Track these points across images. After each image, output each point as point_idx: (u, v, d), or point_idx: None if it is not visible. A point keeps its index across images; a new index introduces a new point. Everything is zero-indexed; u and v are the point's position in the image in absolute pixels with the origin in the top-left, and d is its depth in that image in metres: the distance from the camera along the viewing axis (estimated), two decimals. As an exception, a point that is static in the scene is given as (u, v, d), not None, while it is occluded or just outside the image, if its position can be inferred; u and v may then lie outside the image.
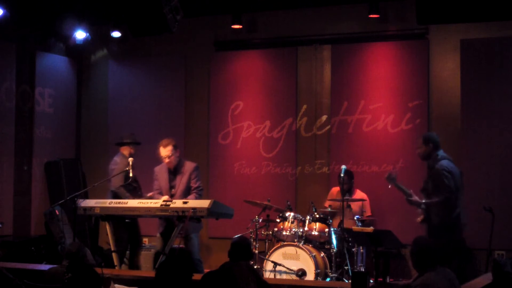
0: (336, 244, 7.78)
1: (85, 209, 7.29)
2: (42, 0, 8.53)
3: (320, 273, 7.50)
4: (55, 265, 5.85)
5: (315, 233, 7.85)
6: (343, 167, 7.92)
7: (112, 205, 7.25)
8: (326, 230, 7.86)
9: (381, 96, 8.94)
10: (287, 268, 7.49)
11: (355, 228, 7.35)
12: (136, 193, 7.79)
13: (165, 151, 7.43)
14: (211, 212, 6.83)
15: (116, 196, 7.65)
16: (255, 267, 7.45)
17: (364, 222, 8.12)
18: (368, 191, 8.57)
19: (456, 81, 8.63)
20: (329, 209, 8.14)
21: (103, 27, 9.41)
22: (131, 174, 7.39)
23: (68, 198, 7.27)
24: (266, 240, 8.09)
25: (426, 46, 8.78)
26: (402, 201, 7.25)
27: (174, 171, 7.51)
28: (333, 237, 7.82)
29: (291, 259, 7.57)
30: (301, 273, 7.44)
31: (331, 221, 7.92)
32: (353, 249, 7.90)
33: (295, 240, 7.73)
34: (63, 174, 9.48)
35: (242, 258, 5.33)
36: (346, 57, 9.16)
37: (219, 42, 9.72)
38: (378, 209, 8.62)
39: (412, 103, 8.77)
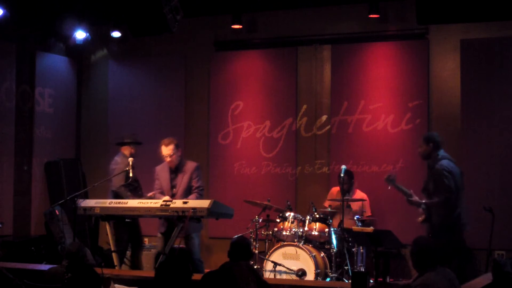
0: (336, 244, 7.78)
1: (85, 209, 7.28)
2: (42, 0, 8.53)
3: (320, 273, 7.50)
4: (55, 265, 5.85)
5: (315, 233, 7.85)
6: (343, 167, 7.92)
7: (112, 205, 7.24)
8: (326, 230, 7.85)
9: (381, 96, 8.93)
10: (287, 268, 7.48)
11: (355, 228, 7.36)
12: (137, 193, 7.78)
13: (166, 150, 7.42)
14: (211, 212, 6.82)
15: (117, 196, 7.64)
16: (255, 267, 7.45)
17: (364, 222, 8.12)
18: (368, 191, 8.57)
19: (456, 81, 8.63)
20: (329, 209, 8.13)
21: (103, 27, 9.40)
22: (131, 174, 7.39)
23: (68, 198, 7.25)
24: (266, 240, 8.08)
25: (426, 46, 8.78)
26: (402, 201, 7.27)
27: (175, 171, 7.49)
28: (333, 237, 7.81)
29: (291, 259, 7.57)
30: (301, 273, 7.44)
31: (331, 221, 7.92)
32: (353, 249, 7.90)
33: (295, 240, 7.72)
34: (63, 174, 9.47)
35: (242, 258, 5.33)
36: (346, 57, 9.15)
37: (219, 42, 9.72)
38: (378, 209, 8.62)
39: (412, 103, 8.77)
